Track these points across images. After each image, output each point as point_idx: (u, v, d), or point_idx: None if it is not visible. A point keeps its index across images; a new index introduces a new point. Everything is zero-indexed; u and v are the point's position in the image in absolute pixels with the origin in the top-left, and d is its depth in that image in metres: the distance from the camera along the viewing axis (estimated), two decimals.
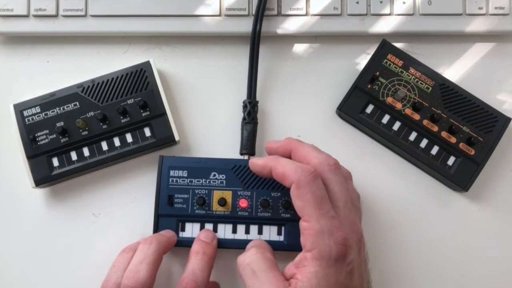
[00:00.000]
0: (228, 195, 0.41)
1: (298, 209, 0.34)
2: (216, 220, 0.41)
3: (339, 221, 0.33)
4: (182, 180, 0.42)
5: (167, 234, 0.40)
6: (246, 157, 0.43)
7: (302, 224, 0.34)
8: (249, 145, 0.43)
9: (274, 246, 0.38)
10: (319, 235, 0.32)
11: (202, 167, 0.42)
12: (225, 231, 0.41)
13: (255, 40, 0.44)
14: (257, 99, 0.45)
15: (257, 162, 0.37)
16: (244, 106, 0.44)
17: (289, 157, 0.38)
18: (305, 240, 0.33)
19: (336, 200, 0.34)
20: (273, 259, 0.35)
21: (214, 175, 0.41)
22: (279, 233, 0.41)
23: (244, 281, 0.34)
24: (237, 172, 0.41)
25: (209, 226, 0.41)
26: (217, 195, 0.41)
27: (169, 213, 0.41)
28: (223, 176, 0.41)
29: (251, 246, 0.37)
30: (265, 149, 0.40)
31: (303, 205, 0.33)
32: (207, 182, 0.41)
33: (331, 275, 0.32)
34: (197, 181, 0.41)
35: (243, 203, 0.41)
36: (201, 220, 0.41)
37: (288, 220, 0.41)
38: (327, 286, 0.32)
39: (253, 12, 0.45)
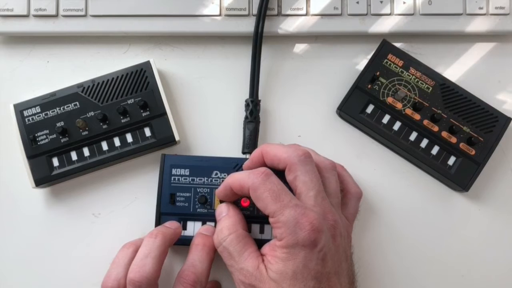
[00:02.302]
0: None
1: (262, 209, 0.35)
2: None
3: (303, 208, 0.34)
4: (184, 179, 0.42)
5: (172, 225, 0.40)
6: (248, 156, 0.43)
7: (270, 220, 0.35)
8: (251, 144, 0.43)
9: None
10: (285, 226, 0.33)
11: (204, 166, 0.42)
12: None
13: (257, 39, 0.44)
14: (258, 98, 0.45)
15: (219, 190, 0.39)
16: (247, 105, 0.44)
17: (264, 164, 0.38)
18: (275, 233, 0.34)
19: (308, 190, 0.35)
20: (245, 234, 0.37)
21: (216, 173, 0.41)
22: None
23: (224, 260, 0.37)
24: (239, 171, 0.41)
25: (211, 225, 0.41)
26: None
27: (171, 212, 0.41)
28: (225, 175, 0.41)
29: (221, 218, 0.38)
30: (244, 170, 0.40)
31: (264, 205, 0.34)
32: (209, 180, 0.41)
33: (299, 261, 0.33)
34: (199, 179, 0.42)
35: (245, 202, 0.41)
36: (203, 219, 0.41)
37: None
38: (294, 271, 0.33)
39: (253, 12, 0.45)
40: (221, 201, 0.41)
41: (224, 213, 0.38)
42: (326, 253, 0.33)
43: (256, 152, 0.38)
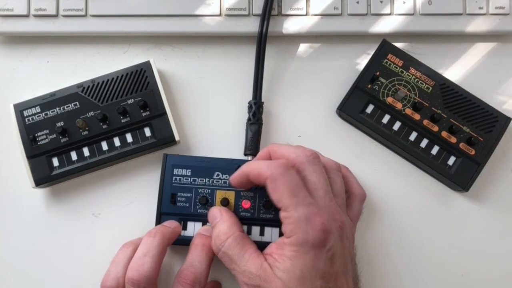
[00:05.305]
0: (231, 195, 0.41)
1: (276, 201, 0.35)
2: None
3: (316, 207, 0.34)
4: (185, 179, 0.42)
5: (171, 225, 0.40)
6: (250, 157, 0.43)
7: (281, 214, 0.34)
8: (253, 145, 0.43)
9: None
10: (297, 222, 0.33)
11: (205, 167, 0.42)
12: None
13: (261, 41, 0.44)
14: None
15: (235, 175, 0.38)
16: (249, 107, 0.44)
17: None
18: (285, 228, 0.34)
19: (316, 190, 0.35)
20: (242, 235, 0.37)
21: (218, 174, 0.41)
22: (281, 235, 0.41)
23: (226, 265, 0.36)
24: None
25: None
26: (220, 195, 0.41)
27: (171, 212, 0.41)
28: (226, 176, 0.41)
29: (216, 223, 0.38)
30: None
31: (279, 197, 0.34)
32: (211, 181, 0.41)
33: (307, 260, 0.33)
34: (201, 180, 0.41)
35: (246, 204, 0.41)
36: (203, 219, 0.41)
37: None
38: (302, 271, 0.33)
39: (254, 12, 0.45)
40: (221, 202, 0.41)
41: (218, 218, 0.38)
42: (334, 253, 0.33)
43: (263, 151, 0.38)
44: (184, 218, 0.41)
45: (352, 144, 0.46)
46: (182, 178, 0.42)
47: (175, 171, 0.42)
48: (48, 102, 0.43)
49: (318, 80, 0.47)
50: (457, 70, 0.47)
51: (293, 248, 0.33)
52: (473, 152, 0.44)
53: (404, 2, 0.46)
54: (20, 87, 0.47)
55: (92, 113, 0.43)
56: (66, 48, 0.47)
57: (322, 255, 0.33)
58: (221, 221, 0.38)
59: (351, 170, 0.43)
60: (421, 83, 0.45)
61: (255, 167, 0.36)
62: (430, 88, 0.44)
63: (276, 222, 0.41)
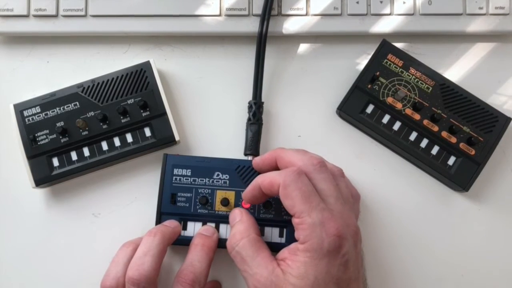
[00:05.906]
0: (231, 195, 0.41)
1: (289, 208, 0.34)
2: (218, 220, 0.41)
3: (330, 213, 0.33)
4: (185, 179, 0.42)
5: (171, 224, 0.40)
6: (250, 157, 0.43)
7: (295, 221, 0.34)
8: (253, 145, 0.43)
9: (275, 248, 0.38)
10: (311, 228, 0.33)
11: (206, 167, 0.42)
12: (227, 231, 0.41)
13: (261, 41, 0.44)
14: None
15: (247, 190, 0.38)
16: (250, 107, 0.44)
17: (276, 167, 0.38)
18: (298, 234, 0.34)
19: (326, 196, 0.35)
20: (258, 239, 0.36)
21: (218, 175, 0.41)
22: (280, 235, 0.41)
23: (237, 266, 0.36)
24: (240, 173, 0.41)
25: (211, 225, 0.41)
26: (220, 195, 0.41)
27: (171, 212, 0.41)
28: (226, 176, 0.41)
29: (234, 223, 0.38)
30: (253, 166, 0.40)
31: (292, 203, 0.34)
32: (211, 181, 0.41)
33: (322, 267, 0.32)
34: (201, 180, 0.41)
35: (246, 204, 0.41)
36: (203, 220, 0.41)
37: (290, 222, 0.40)
38: (316, 277, 0.32)
39: (253, 12, 0.45)
40: (221, 202, 0.41)
41: (238, 218, 0.38)
42: (348, 259, 0.33)
43: (269, 154, 0.38)
44: (184, 218, 0.41)
45: (352, 144, 0.46)
46: (182, 178, 0.42)
47: (175, 171, 0.42)
48: (48, 102, 0.43)
49: (318, 80, 0.47)
50: (457, 70, 0.47)
51: (307, 254, 0.33)
52: (473, 152, 0.44)
53: (404, 2, 0.46)
54: (20, 87, 0.47)
55: (92, 113, 0.43)
56: (66, 48, 0.47)
57: (336, 261, 0.33)
58: (240, 222, 0.38)
59: (351, 170, 0.43)
60: (421, 83, 0.45)
61: (266, 177, 0.36)
62: (430, 88, 0.44)
63: (276, 222, 0.41)
